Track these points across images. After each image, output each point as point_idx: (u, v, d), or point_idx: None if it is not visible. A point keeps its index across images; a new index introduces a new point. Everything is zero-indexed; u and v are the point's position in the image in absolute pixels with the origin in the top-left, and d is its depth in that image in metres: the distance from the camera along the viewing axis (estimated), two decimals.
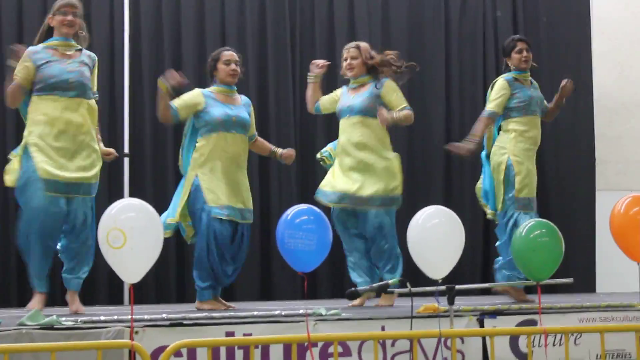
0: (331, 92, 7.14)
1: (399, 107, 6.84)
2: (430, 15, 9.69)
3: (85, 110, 6.11)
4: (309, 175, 9.14)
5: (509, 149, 6.95)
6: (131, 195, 8.30)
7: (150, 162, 8.73)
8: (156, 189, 8.64)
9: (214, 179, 6.45)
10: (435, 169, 9.55)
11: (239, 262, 6.55)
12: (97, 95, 6.28)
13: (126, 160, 8.52)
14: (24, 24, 8.52)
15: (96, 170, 6.12)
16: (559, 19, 10.01)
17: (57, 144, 5.98)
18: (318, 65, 7.07)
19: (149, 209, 4.40)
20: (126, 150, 8.51)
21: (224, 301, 6.58)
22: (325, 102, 7.14)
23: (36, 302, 5.94)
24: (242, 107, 6.67)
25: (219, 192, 6.42)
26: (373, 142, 6.80)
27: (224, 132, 6.51)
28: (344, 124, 6.92)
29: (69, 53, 6.14)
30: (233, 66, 6.63)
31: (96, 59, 6.30)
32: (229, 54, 6.67)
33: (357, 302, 6.62)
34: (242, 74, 6.81)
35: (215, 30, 9.02)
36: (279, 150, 6.86)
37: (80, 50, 6.20)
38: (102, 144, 6.33)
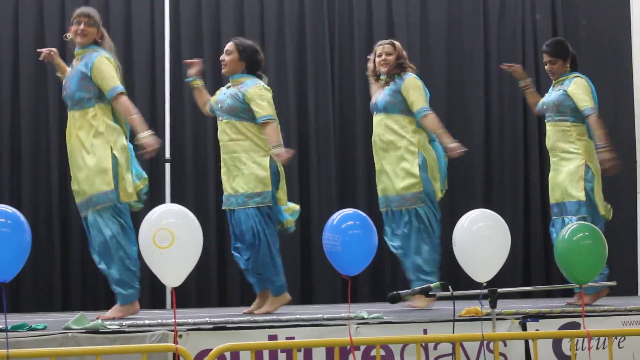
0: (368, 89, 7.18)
1: (417, 107, 6.80)
2: (469, 16, 9.65)
3: (75, 122, 6.02)
4: (349, 179, 9.15)
5: None
6: (172, 200, 8.36)
7: (191, 167, 8.77)
8: (197, 194, 8.70)
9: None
10: (475, 169, 9.50)
11: (250, 249, 6.40)
12: (115, 92, 5.97)
13: (167, 166, 8.57)
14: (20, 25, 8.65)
15: (99, 179, 5.92)
16: (599, 21, 9.94)
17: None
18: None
19: (189, 213, 4.44)
20: (167, 155, 8.56)
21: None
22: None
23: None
24: (234, 90, 6.49)
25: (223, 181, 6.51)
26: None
27: (219, 120, 6.54)
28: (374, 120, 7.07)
29: (75, 63, 6.14)
30: (222, 57, 6.60)
31: (94, 60, 6.00)
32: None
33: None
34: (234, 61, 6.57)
35: (254, 35, 9.04)
36: (275, 151, 6.34)
37: (85, 56, 6.09)
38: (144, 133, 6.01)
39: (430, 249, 6.81)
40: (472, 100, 9.55)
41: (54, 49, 6.40)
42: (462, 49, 9.63)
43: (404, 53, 7.03)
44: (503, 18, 9.75)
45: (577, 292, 6.92)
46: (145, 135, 5.93)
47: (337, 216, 4.90)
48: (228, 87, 6.58)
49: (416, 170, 6.77)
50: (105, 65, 5.98)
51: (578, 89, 6.97)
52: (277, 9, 9.16)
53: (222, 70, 6.60)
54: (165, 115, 8.62)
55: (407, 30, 9.41)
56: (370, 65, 7.18)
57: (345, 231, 4.79)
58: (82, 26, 6.06)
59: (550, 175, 7.17)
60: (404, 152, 6.82)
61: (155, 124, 8.69)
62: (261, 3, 9.15)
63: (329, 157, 9.09)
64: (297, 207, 6.63)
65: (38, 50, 6.49)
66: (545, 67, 7.19)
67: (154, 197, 8.29)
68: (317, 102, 9.16)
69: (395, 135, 6.85)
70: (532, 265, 9.39)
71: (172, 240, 4.25)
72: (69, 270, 8.42)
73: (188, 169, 8.77)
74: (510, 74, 7.73)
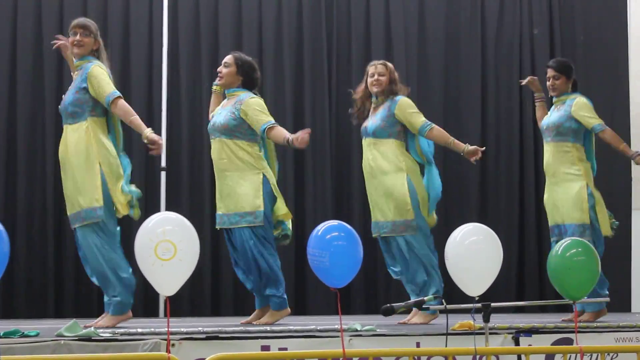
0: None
1: (419, 123, 6.71)
2: (467, 29, 9.69)
3: (68, 136, 6.00)
4: (344, 189, 9.16)
5: None
6: (167, 208, 8.36)
7: (186, 175, 8.78)
8: (192, 202, 8.70)
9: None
10: (470, 184, 9.52)
11: (247, 268, 6.39)
12: (112, 97, 5.90)
13: (163, 174, 8.57)
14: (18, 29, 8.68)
15: (87, 195, 5.89)
16: (596, 37, 9.97)
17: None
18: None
19: (186, 221, 4.44)
20: (163, 164, 8.57)
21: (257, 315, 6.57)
22: None
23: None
24: (229, 108, 6.44)
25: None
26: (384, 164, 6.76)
27: (212, 138, 6.51)
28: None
29: (75, 76, 6.13)
30: (219, 68, 6.56)
31: (88, 70, 5.97)
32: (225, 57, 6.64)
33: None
34: (234, 76, 6.52)
35: (252, 46, 9.07)
36: (290, 137, 6.16)
37: (82, 68, 6.06)
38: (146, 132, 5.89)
39: (428, 275, 6.72)
40: (469, 113, 9.57)
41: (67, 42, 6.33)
42: (460, 62, 9.65)
43: (396, 75, 6.94)
44: (501, 32, 9.78)
45: (578, 309, 6.92)
46: (149, 133, 5.87)
47: (321, 228, 4.84)
48: (224, 107, 6.52)
49: (407, 197, 6.67)
50: (99, 73, 5.96)
51: (581, 110, 6.95)
52: (276, 20, 9.18)
53: (218, 82, 6.57)
54: (162, 124, 8.62)
55: (405, 43, 9.44)
56: (361, 86, 6.98)
57: (330, 243, 4.75)
58: (78, 37, 6.06)
59: (547, 196, 7.13)
60: (393, 178, 6.74)
61: None
62: (259, 13, 9.17)
63: (324, 169, 9.11)
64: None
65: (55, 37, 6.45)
66: (547, 82, 7.15)
67: (149, 206, 8.30)
68: (314, 114, 9.18)
69: (385, 161, 6.71)
70: (526, 280, 9.40)
71: (174, 252, 4.23)
72: (62, 277, 8.42)
73: (183, 177, 8.77)
74: (528, 87, 7.61)
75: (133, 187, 5.99)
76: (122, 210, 5.94)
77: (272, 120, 6.34)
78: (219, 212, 6.45)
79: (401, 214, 6.66)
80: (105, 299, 5.92)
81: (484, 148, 6.89)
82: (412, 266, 6.65)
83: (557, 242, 6.89)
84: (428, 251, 6.69)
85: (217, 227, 6.49)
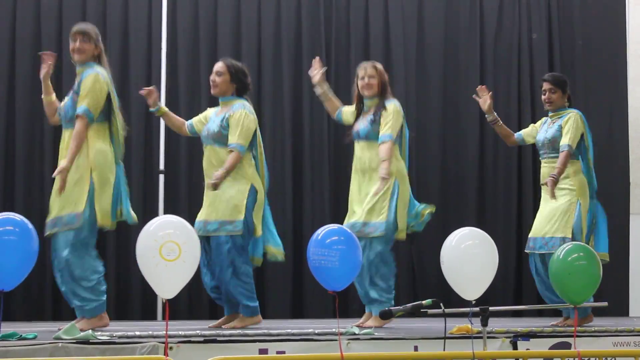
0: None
1: (384, 131, 6.60)
2: (466, 34, 9.68)
3: (66, 140, 6.02)
4: (342, 194, 9.15)
5: None
6: (165, 212, 8.35)
7: (184, 178, 8.77)
8: (190, 205, 8.69)
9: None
10: (468, 189, 9.52)
11: (218, 278, 6.33)
12: (79, 111, 5.92)
13: (161, 177, 8.57)
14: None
15: (71, 199, 5.92)
16: (595, 42, 9.98)
17: None
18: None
19: (187, 224, 4.44)
20: (161, 167, 8.56)
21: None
22: (347, 113, 7.00)
23: None
24: (221, 116, 6.42)
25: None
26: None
27: (204, 145, 6.51)
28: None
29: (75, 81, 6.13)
30: (211, 77, 6.53)
31: (84, 77, 6.01)
32: (215, 65, 6.60)
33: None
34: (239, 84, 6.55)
35: (251, 48, 9.07)
36: (220, 171, 6.24)
37: (81, 74, 6.07)
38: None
39: (384, 281, 6.64)
40: (467, 118, 9.57)
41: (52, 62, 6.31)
42: (458, 67, 9.66)
43: (386, 77, 6.90)
44: (499, 37, 9.78)
45: (565, 315, 6.93)
46: (62, 167, 5.83)
47: (321, 232, 4.85)
48: (218, 115, 6.49)
49: (386, 199, 6.62)
50: (89, 83, 5.95)
51: (567, 123, 6.94)
52: (275, 24, 9.18)
53: (212, 91, 6.54)
54: (160, 126, 8.62)
55: (403, 47, 9.45)
56: (355, 90, 6.95)
57: (330, 246, 4.77)
58: (77, 44, 6.05)
59: (540, 208, 7.15)
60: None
61: (149, 135, 8.71)
62: (258, 17, 9.17)
63: (322, 172, 9.10)
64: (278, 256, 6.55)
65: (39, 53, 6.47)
66: (543, 96, 7.13)
67: (147, 209, 8.30)
68: (312, 117, 9.17)
69: (377, 163, 6.67)
70: (523, 284, 9.39)
71: (179, 253, 4.24)
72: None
73: (181, 180, 8.76)
74: (479, 104, 7.55)
75: (132, 214, 6.05)
76: (101, 221, 5.94)
77: (236, 144, 6.26)
78: (199, 219, 6.37)
79: (378, 214, 6.60)
80: (76, 303, 5.98)
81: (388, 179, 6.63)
82: (368, 271, 6.57)
83: (535, 256, 6.95)
84: (389, 256, 6.65)
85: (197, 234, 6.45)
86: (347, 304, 8.82)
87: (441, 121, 9.44)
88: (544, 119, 7.27)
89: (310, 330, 5.58)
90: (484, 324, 4.75)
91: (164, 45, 8.76)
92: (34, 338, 5.07)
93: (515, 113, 9.59)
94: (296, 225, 8.96)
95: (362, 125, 6.78)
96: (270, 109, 9.05)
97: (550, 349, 5.56)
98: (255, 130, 6.42)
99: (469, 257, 4.98)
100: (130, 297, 8.26)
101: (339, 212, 9.01)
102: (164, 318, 8.08)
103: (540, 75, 7.76)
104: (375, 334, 5.52)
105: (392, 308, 4.66)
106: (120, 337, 5.15)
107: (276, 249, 6.48)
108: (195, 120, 6.68)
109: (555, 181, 6.76)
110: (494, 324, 5.90)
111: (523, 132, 7.44)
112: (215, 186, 6.20)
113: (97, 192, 5.91)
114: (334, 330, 5.52)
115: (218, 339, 5.15)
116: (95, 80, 5.96)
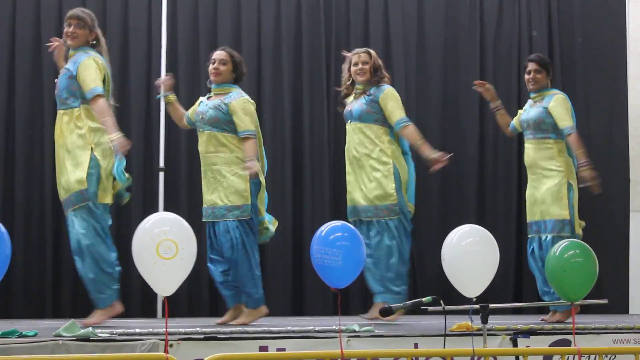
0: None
1: (396, 118, 6.78)
2: (466, 32, 9.68)
3: (62, 121, 6.06)
4: (342, 191, 9.14)
5: None
6: (165, 209, 8.35)
7: (184, 175, 8.76)
8: (190, 202, 8.69)
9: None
10: (469, 186, 9.52)
11: (228, 259, 6.37)
12: (93, 93, 5.98)
13: (161, 174, 8.57)
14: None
15: (74, 178, 5.96)
16: (595, 39, 9.98)
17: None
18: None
19: (184, 221, 4.44)
20: (161, 164, 8.56)
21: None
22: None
23: None
24: (217, 102, 6.44)
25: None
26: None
27: (199, 131, 6.51)
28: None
29: (67, 63, 6.16)
30: (214, 65, 6.52)
31: (80, 61, 6.05)
32: (216, 53, 6.60)
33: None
34: (240, 73, 6.64)
35: (251, 47, 9.07)
36: (248, 162, 6.30)
37: (75, 56, 6.11)
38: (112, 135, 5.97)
39: (400, 263, 6.78)
40: (467, 116, 9.57)
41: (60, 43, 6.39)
42: (458, 65, 9.65)
43: (380, 62, 6.99)
44: (499, 34, 9.78)
45: (551, 309, 6.94)
46: (117, 137, 5.90)
47: (325, 228, 4.86)
48: (209, 98, 6.52)
49: (391, 181, 6.75)
50: (89, 67, 5.99)
51: (559, 106, 6.98)
52: (275, 23, 9.18)
53: (214, 79, 6.54)
54: (160, 123, 8.61)
55: (403, 46, 9.45)
56: (345, 74, 7.11)
57: (333, 243, 4.77)
58: (71, 28, 6.10)
59: (528, 192, 7.18)
60: (377, 163, 6.78)
61: (149, 133, 8.71)
62: (258, 15, 9.16)
63: (322, 170, 9.10)
64: (272, 226, 6.58)
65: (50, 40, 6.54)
66: (527, 76, 7.17)
67: (147, 206, 8.30)
68: (312, 116, 9.17)
69: (371, 145, 6.80)
70: (523, 281, 9.39)
71: (176, 251, 4.23)
72: (60, 277, 8.41)
73: (181, 177, 8.76)
74: (481, 94, 7.64)
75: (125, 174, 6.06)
76: (102, 198, 6.01)
77: (250, 131, 6.33)
78: (205, 205, 6.45)
79: (385, 198, 6.73)
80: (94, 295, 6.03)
81: (451, 154, 6.87)
82: (386, 253, 6.78)
83: (534, 239, 6.97)
84: (406, 238, 6.82)
85: (203, 219, 6.48)
86: (347, 301, 8.82)
87: (441, 121, 9.44)
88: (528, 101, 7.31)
89: (310, 328, 5.58)
90: (484, 321, 4.75)
91: (164, 45, 8.74)
92: (34, 335, 5.07)
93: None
94: (296, 225, 8.96)
95: (356, 105, 6.84)
96: (270, 109, 9.05)
97: (550, 346, 5.56)
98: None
99: (469, 254, 4.99)
100: (130, 294, 8.25)
101: (339, 211, 9.02)
102: (164, 315, 8.08)
103: None
104: (376, 331, 5.51)
105: (392, 305, 4.66)
106: (120, 334, 5.15)
107: (268, 221, 6.53)
108: (190, 111, 6.74)
109: (592, 170, 6.85)
110: (494, 321, 5.90)
111: (514, 120, 7.48)
112: (256, 174, 6.26)
113: (102, 169, 5.99)
114: (334, 327, 5.52)
115: (218, 336, 5.16)
116: (95, 62, 6.01)
